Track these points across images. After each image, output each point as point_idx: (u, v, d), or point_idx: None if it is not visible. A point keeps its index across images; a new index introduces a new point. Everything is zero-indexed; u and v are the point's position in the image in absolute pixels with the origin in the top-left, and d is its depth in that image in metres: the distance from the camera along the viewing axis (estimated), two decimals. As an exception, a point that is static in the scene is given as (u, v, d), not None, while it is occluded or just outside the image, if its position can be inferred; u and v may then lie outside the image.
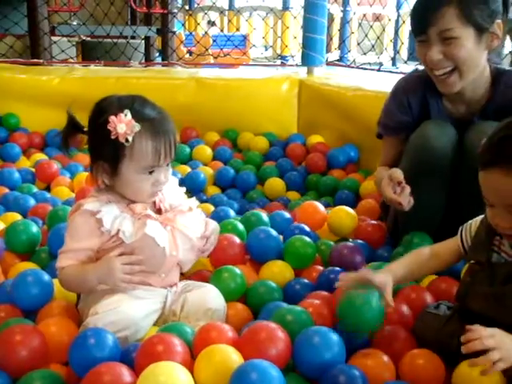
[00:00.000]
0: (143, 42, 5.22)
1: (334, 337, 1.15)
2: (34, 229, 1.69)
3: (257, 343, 1.13)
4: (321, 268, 1.60)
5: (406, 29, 7.78)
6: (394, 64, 7.09)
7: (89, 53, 5.05)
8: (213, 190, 2.56)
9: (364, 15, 4.89)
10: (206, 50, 4.31)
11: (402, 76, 1.83)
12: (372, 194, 2.21)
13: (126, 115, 1.24)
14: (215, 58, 4.47)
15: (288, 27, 6.11)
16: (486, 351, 0.97)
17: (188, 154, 2.82)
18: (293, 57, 4.07)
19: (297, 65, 3.58)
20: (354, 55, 5.31)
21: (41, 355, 1.17)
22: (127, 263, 1.28)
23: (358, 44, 4.24)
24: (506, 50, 2.61)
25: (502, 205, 1.08)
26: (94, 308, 1.26)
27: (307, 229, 1.77)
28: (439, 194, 1.64)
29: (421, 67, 1.73)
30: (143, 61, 4.44)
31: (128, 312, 1.26)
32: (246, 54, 5.34)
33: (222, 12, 8.30)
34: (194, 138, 2.98)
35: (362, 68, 3.70)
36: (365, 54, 4.33)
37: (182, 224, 1.36)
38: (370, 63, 3.77)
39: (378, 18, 5.69)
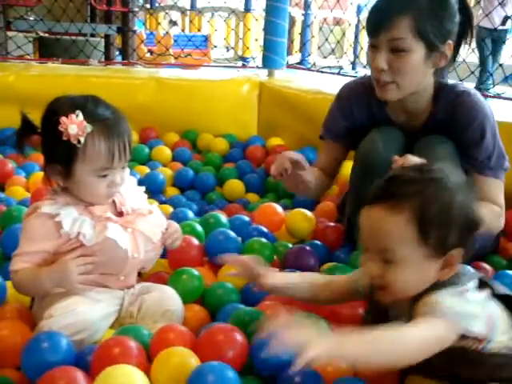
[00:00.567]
0: (103, 40, 5.15)
1: None
2: (-13, 229, 1.65)
3: (214, 345, 1.13)
4: (277, 270, 1.61)
5: (366, 34, 7.92)
6: (353, 68, 7.20)
7: (46, 50, 4.95)
8: (172, 191, 2.55)
9: (325, 19, 4.94)
10: (167, 49, 4.29)
11: (346, 81, 1.84)
12: (330, 196, 2.24)
13: (77, 116, 1.22)
14: (176, 58, 4.46)
15: (249, 29, 6.15)
16: None
17: (147, 155, 2.79)
18: (254, 59, 4.08)
19: (257, 67, 3.60)
20: (314, 58, 5.37)
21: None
22: (82, 264, 1.26)
23: (319, 48, 4.31)
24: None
25: (376, 248, 1.06)
26: (49, 311, 1.23)
27: (266, 230, 1.77)
28: None
29: (368, 73, 1.76)
30: (103, 59, 4.38)
31: (84, 314, 1.24)
32: (207, 54, 5.33)
33: (183, 12, 8.27)
34: (153, 138, 2.95)
35: (322, 71, 3.74)
36: (325, 57, 4.38)
37: (143, 226, 1.35)
38: (330, 67, 3.82)
39: (338, 22, 5.76)
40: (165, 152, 2.81)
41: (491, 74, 3.83)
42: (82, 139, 1.22)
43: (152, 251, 1.38)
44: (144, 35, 6.07)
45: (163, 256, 1.56)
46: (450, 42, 1.53)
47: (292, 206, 2.27)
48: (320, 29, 4.21)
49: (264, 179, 2.64)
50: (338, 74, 3.59)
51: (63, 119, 1.22)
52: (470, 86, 1.79)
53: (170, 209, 2.14)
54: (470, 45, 1.63)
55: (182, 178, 2.60)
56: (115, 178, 1.29)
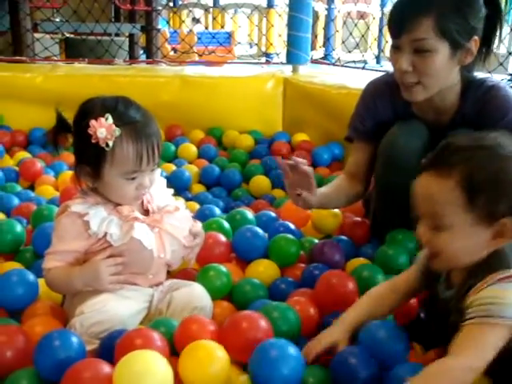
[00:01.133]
0: (127, 39, 5.19)
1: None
2: (19, 228, 1.68)
3: (239, 332, 1.15)
4: (304, 266, 1.61)
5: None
6: (378, 62, 7.13)
7: (72, 50, 5.01)
8: (198, 188, 2.56)
9: (348, 13, 4.91)
10: (191, 47, 4.31)
11: (371, 79, 1.81)
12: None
13: (106, 119, 1.23)
14: (200, 55, 4.47)
15: (273, 25, 6.12)
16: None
17: (173, 152, 2.81)
18: (278, 55, 4.07)
19: (282, 63, 3.59)
20: (338, 53, 5.33)
21: (26, 355, 1.16)
22: (113, 265, 1.27)
23: (343, 42, 4.26)
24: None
25: (427, 213, 1.08)
26: (80, 308, 1.25)
27: (292, 226, 1.77)
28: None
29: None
30: (127, 59, 4.42)
31: (114, 311, 1.26)
32: (231, 51, 5.33)
33: (206, 9, 8.29)
34: (179, 136, 2.97)
35: (346, 66, 3.71)
36: (349, 52, 4.35)
37: (170, 224, 1.36)
38: (354, 61, 3.78)
39: (362, 16, 5.70)
40: (191, 149, 2.83)
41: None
42: (111, 143, 1.23)
43: (178, 250, 1.39)
44: (168, 33, 6.10)
45: (191, 253, 1.57)
46: (476, 37, 1.49)
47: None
48: (344, 23, 4.18)
49: (289, 175, 2.63)
50: (363, 68, 3.56)
51: (93, 122, 1.23)
52: (498, 78, 1.76)
53: (197, 206, 2.15)
54: (500, 37, 1.59)
55: (208, 175, 2.61)
56: (144, 180, 1.29)
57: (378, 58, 7.25)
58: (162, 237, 1.34)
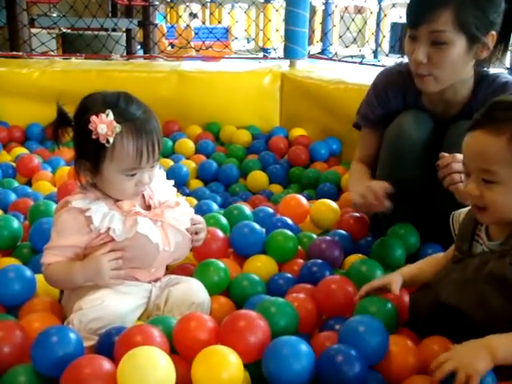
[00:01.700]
0: (124, 34, 5.18)
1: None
2: (16, 224, 1.68)
3: (236, 331, 1.14)
4: (302, 261, 1.61)
5: (388, 22, 7.82)
6: (375, 57, 7.13)
7: (69, 45, 4.99)
8: (195, 184, 2.56)
9: (346, 8, 4.88)
10: (188, 42, 4.29)
11: (383, 68, 1.83)
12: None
13: (107, 115, 1.22)
14: (197, 50, 4.45)
15: (270, 20, 6.11)
16: None
17: (170, 148, 2.81)
18: (275, 50, 4.06)
19: (279, 58, 3.58)
20: (336, 48, 5.32)
21: (23, 351, 1.16)
22: (114, 259, 1.27)
23: (340, 37, 4.25)
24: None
25: (477, 169, 1.11)
26: (78, 304, 1.25)
27: (290, 222, 1.77)
28: (415, 181, 1.66)
29: (404, 60, 1.73)
30: (125, 54, 4.40)
31: (112, 307, 1.26)
32: (229, 46, 5.32)
33: (203, 4, 8.26)
34: (176, 131, 2.97)
35: (344, 61, 3.71)
36: (347, 46, 4.35)
37: (172, 218, 1.36)
38: (351, 56, 3.78)
39: (359, 10, 5.70)
40: (188, 145, 2.82)
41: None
42: (111, 139, 1.23)
43: (182, 242, 1.39)
44: (165, 28, 6.08)
45: (188, 248, 1.57)
46: (494, 32, 1.49)
47: (315, 197, 2.27)
48: (341, 17, 4.15)
49: (287, 170, 2.64)
50: (360, 63, 3.56)
51: (93, 118, 1.22)
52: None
53: (194, 201, 2.15)
54: None
55: (206, 171, 2.61)
56: (143, 177, 1.29)
57: (375, 53, 7.25)
58: (166, 230, 1.34)
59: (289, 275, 1.54)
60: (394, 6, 3.96)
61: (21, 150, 2.67)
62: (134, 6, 5.22)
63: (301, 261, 1.62)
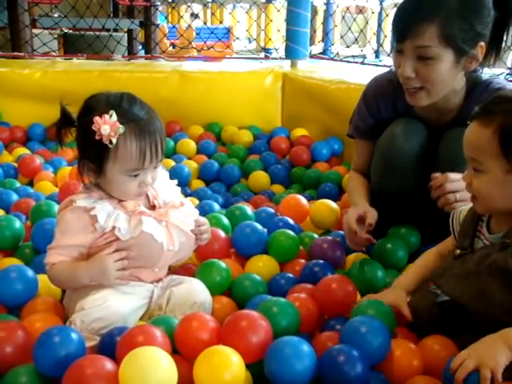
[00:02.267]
0: (126, 35, 5.18)
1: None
2: (17, 224, 1.68)
3: (238, 331, 1.14)
4: (303, 261, 1.61)
5: (389, 22, 7.80)
6: (377, 57, 7.11)
7: (71, 46, 5.00)
8: (197, 184, 2.56)
9: (347, 8, 4.87)
10: (190, 42, 4.29)
11: (373, 77, 1.79)
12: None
13: (111, 116, 1.22)
14: (199, 50, 4.46)
15: (271, 20, 6.11)
16: None
17: (172, 148, 2.81)
18: (276, 50, 4.06)
19: (280, 58, 3.58)
20: (337, 48, 5.32)
21: (25, 352, 1.16)
22: (119, 259, 1.27)
23: (342, 37, 4.25)
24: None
25: (469, 159, 1.14)
26: (80, 304, 1.25)
27: (291, 222, 1.77)
28: (409, 191, 1.65)
29: None
30: (126, 54, 4.41)
31: (114, 307, 1.26)
32: (230, 46, 5.32)
33: (205, 4, 8.25)
34: (178, 131, 2.97)
35: (345, 61, 3.71)
36: (348, 46, 4.34)
37: (176, 218, 1.36)
38: (353, 56, 3.78)
39: (361, 10, 5.69)
40: (189, 145, 2.83)
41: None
42: (114, 140, 1.23)
43: (186, 243, 1.39)
44: (166, 29, 6.07)
45: (190, 248, 1.57)
46: (482, 43, 1.46)
47: (317, 197, 2.27)
48: (343, 17, 4.16)
49: (289, 170, 2.64)
50: (362, 63, 3.56)
51: (97, 119, 1.22)
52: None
53: (196, 201, 2.15)
54: None
55: (207, 171, 2.61)
56: (146, 178, 1.29)
57: (376, 53, 7.23)
58: (170, 229, 1.34)
59: (290, 275, 1.54)
60: (395, 5, 3.95)
61: (22, 151, 2.68)
62: (135, 6, 5.21)
63: (302, 261, 1.62)
